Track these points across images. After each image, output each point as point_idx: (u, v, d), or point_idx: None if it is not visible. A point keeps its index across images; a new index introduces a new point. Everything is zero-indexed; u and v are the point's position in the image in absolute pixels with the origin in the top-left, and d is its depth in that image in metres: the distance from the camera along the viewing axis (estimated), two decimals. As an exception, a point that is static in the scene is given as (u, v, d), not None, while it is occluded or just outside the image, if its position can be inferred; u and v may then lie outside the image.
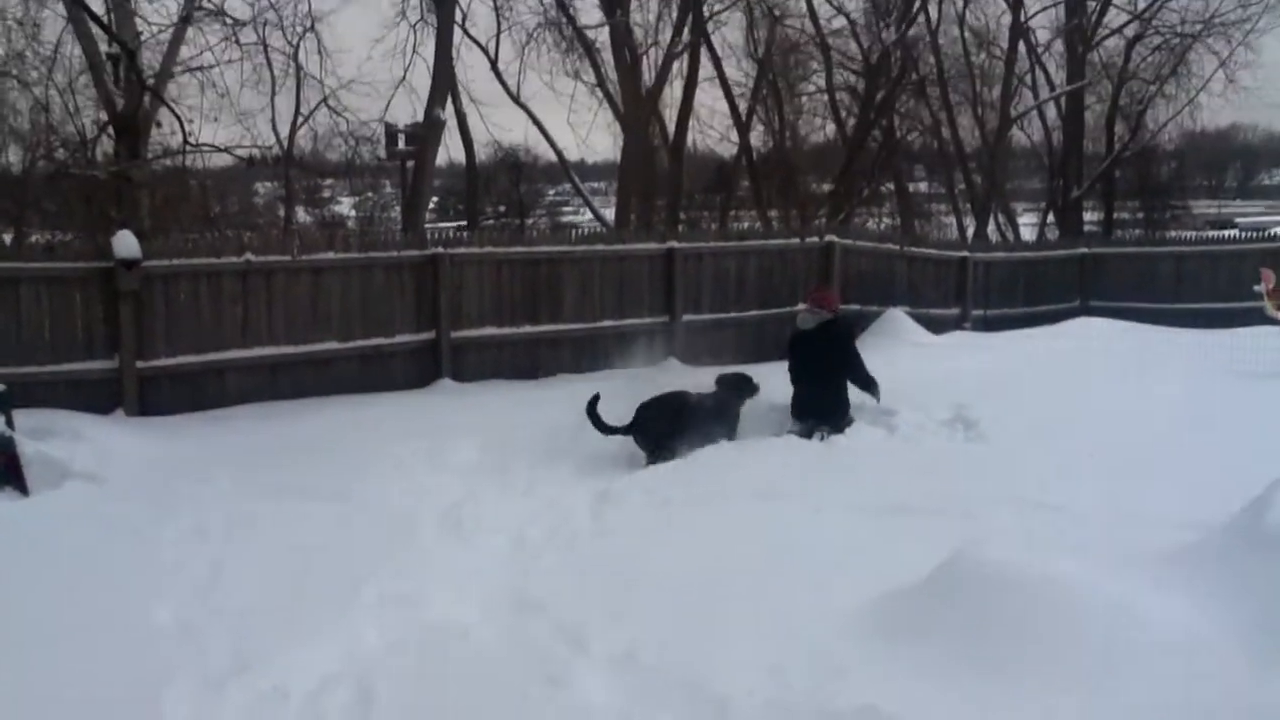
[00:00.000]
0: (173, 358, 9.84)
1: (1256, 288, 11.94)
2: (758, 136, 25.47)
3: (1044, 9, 27.16)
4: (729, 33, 33.65)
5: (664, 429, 8.07)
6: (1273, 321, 11.56)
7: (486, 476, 7.19)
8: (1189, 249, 18.21)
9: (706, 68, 22.24)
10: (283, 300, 10.37)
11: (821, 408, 8.62)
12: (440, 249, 11.22)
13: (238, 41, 14.99)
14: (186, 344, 9.91)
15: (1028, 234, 29.02)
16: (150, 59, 13.54)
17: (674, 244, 12.78)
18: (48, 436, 7.78)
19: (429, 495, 6.75)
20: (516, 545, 5.90)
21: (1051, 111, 28.31)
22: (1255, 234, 19.76)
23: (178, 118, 9.78)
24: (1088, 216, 29.03)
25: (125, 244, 9.40)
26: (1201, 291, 17.11)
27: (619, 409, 8.40)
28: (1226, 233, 22.79)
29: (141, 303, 9.62)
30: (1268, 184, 77.00)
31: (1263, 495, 4.40)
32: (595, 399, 8.09)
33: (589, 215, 22.82)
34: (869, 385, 8.83)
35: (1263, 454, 6.82)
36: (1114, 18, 27.36)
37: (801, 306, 10.02)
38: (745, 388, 8.81)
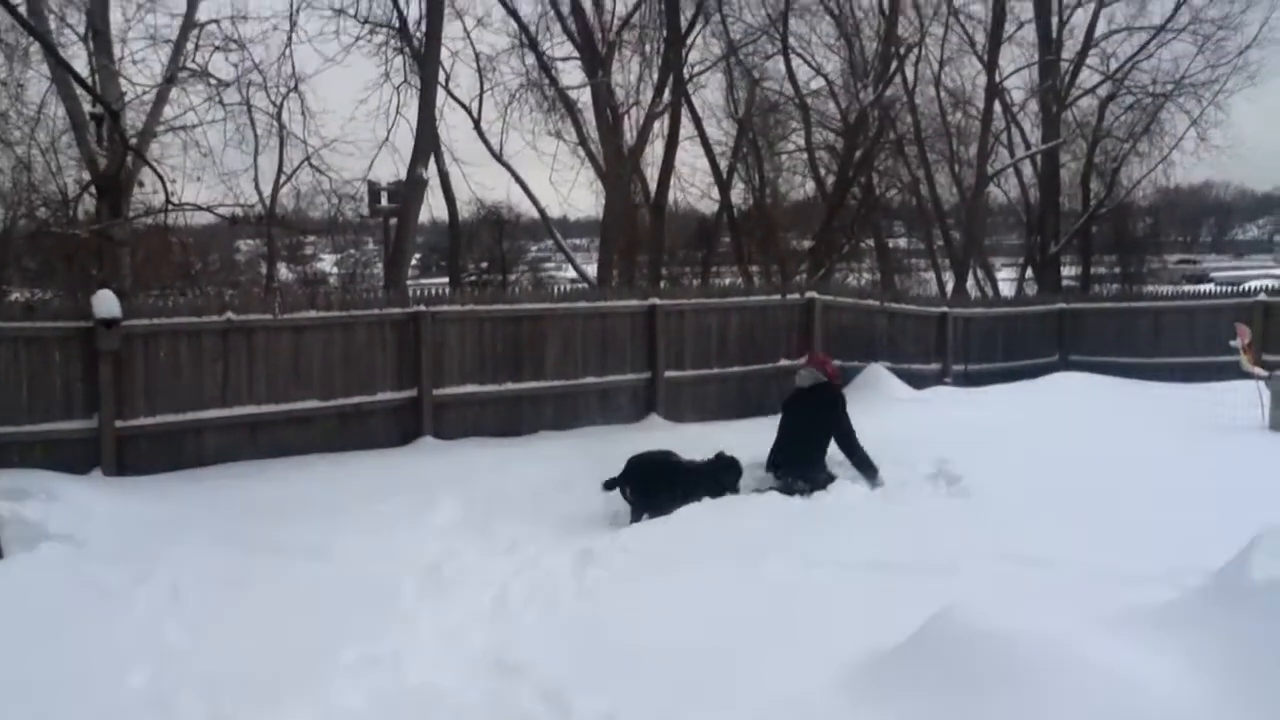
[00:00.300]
0: (152, 417, 9.76)
1: (1233, 343, 12.05)
2: (738, 194, 25.75)
3: (1018, 70, 27.69)
4: (709, 93, 34.06)
5: (652, 482, 8.20)
6: (1249, 376, 11.65)
7: (468, 535, 7.14)
8: (1165, 304, 18.39)
9: (687, 127, 22.56)
10: (264, 358, 10.34)
11: (796, 462, 8.66)
12: (422, 307, 11.22)
13: (221, 102, 15.09)
14: (166, 403, 9.84)
15: (1006, 289, 29.28)
16: (134, 118, 13.59)
17: (656, 301, 12.83)
18: (24, 497, 7.69)
19: (409, 554, 6.69)
20: (498, 605, 5.84)
21: (1028, 169, 28.73)
22: (1230, 289, 19.98)
23: (160, 177, 9.76)
24: (1065, 272, 29.35)
25: (105, 303, 9.36)
26: (1179, 346, 17.26)
27: (602, 468, 8.39)
28: (1202, 288, 23.11)
29: (121, 362, 9.57)
30: (1241, 239, 78.24)
31: (1244, 551, 4.40)
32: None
33: (571, 271, 22.90)
34: (865, 467, 8.76)
35: (1242, 508, 6.84)
36: (1087, 78, 27.92)
37: (800, 361, 10.07)
38: (732, 472, 8.56)
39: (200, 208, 11.71)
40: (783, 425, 9.10)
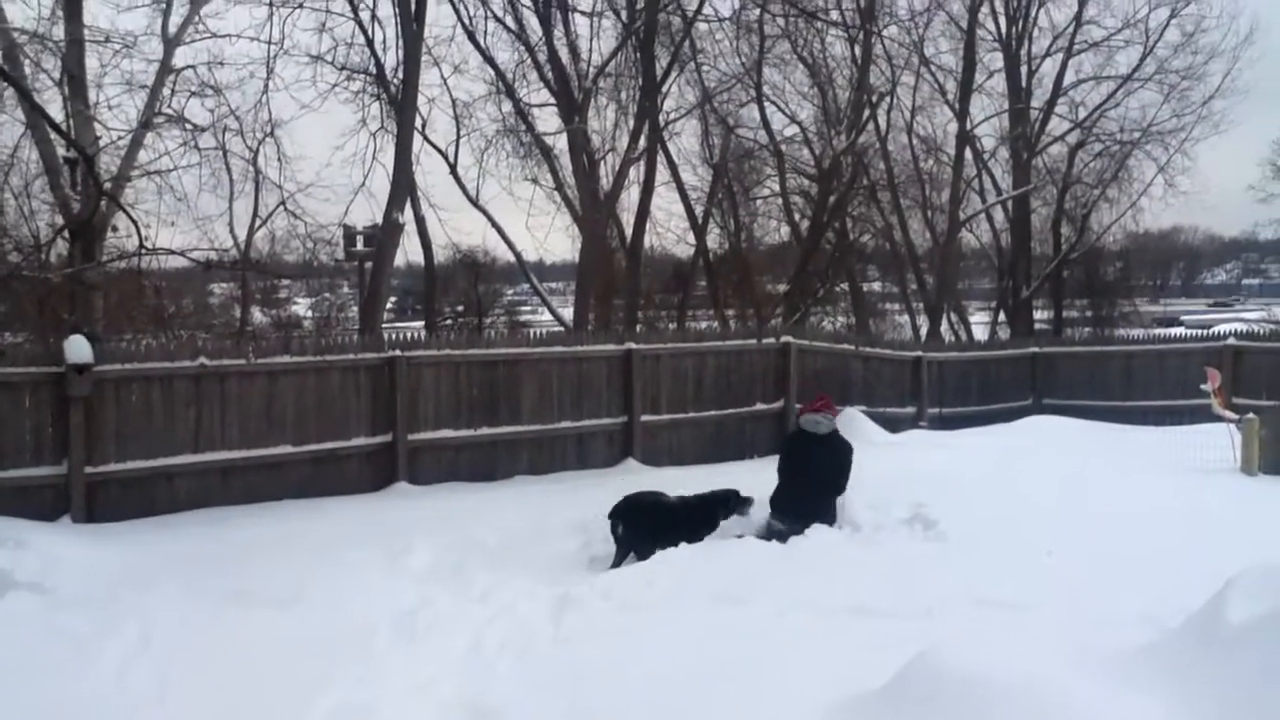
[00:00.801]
0: (123, 463, 9.67)
1: (1203, 386, 12.17)
2: (714, 238, 25.91)
3: (989, 118, 28.18)
4: (684, 140, 34.43)
5: (642, 521, 8.22)
6: (1220, 419, 11.77)
7: (442, 582, 7.06)
8: (1136, 348, 18.57)
9: (663, 172, 22.74)
10: (236, 403, 10.27)
11: (817, 510, 8.58)
12: (397, 351, 11.19)
13: (197, 147, 15.07)
14: (137, 449, 9.75)
15: (980, 333, 29.54)
16: (108, 163, 13.55)
17: (632, 345, 12.85)
18: (-10, 545, 7.56)
19: (383, 602, 6.60)
20: (472, 652, 5.77)
21: (999, 214, 29.13)
22: (1200, 333, 20.22)
23: (134, 222, 9.76)
24: (1038, 315, 29.66)
25: (77, 349, 9.28)
26: (1150, 389, 17.41)
27: (578, 513, 8.33)
28: (1173, 331, 23.35)
29: (92, 407, 9.48)
30: (1210, 283, 79.40)
31: (1220, 592, 4.42)
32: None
33: (548, 315, 22.92)
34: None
35: (1217, 549, 6.90)
36: (1056, 126, 28.44)
37: (796, 406, 10.00)
38: (735, 503, 8.66)
39: (174, 252, 11.66)
40: (795, 473, 8.86)
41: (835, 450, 8.93)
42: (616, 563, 8.02)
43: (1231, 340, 16.87)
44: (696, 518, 8.46)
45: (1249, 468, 10.50)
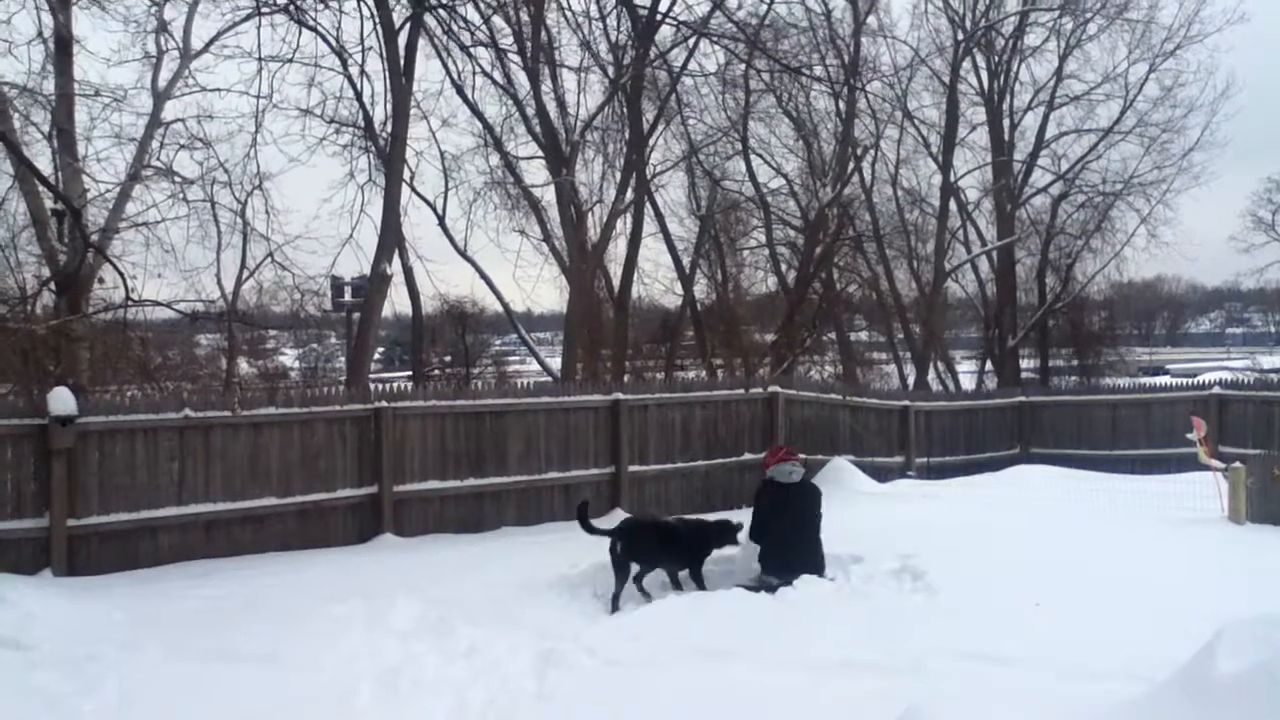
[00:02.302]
0: (105, 516, 9.57)
1: (1189, 435, 12.19)
2: (701, 289, 26.08)
3: (972, 170, 28.57)
4: (671, 191, 34.80)
5: (641, 541, 8.64)
6: (1206, 468, 11.78)
7: (426, 638, 6.97)
8: (1122, 397, 18.66)
9: (650, 224, 22.92)
10: (221, 456, 10.20)
11: (807, 559, 8.55)
12: (384, 402, 11.15)
13: (185, 199, 15.12)
14: (120, 502, 9.65)
15: (967, 382, 29.65)
16: (96, 215, 13.59)
17: (619, 395, 12.84)
18: (-33, 601, 7.45)
19: (366, 658, 6.52)
20: (455, 713, 5.69)
21: (984, 265, 29.39)
22: (1186, 381, 20.32)
23: (120, 274, 9.79)
24: (1024, 364, 29.81)
25: (61, 401, 9.23)
26: (1136, 438, 17.48)
27: (565, 564, 8.25)
28: (1158, 380, 23.48)
29: (75, 460, 9.40)
30: (1194, 331, 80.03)
31: (1209, 644, 4.39)
32: (584, 504, 9.32)
33: (536, 365, 22.93)
34: None
35: (1205, 600, 6.87)
36: (1039, 178, 28.83)
37: (768, 455, 9.98)
38: (730, 533, 9.08)
39: (160, 304, 11.69)
40: (786, 525, 8.80)
41: (808, 495, 8.98)
42: (618, 588, 8.38)
43: (1217, 389, 16.97)
44: (694, 543, 8.96)
45: (1236, 516, 10.49)
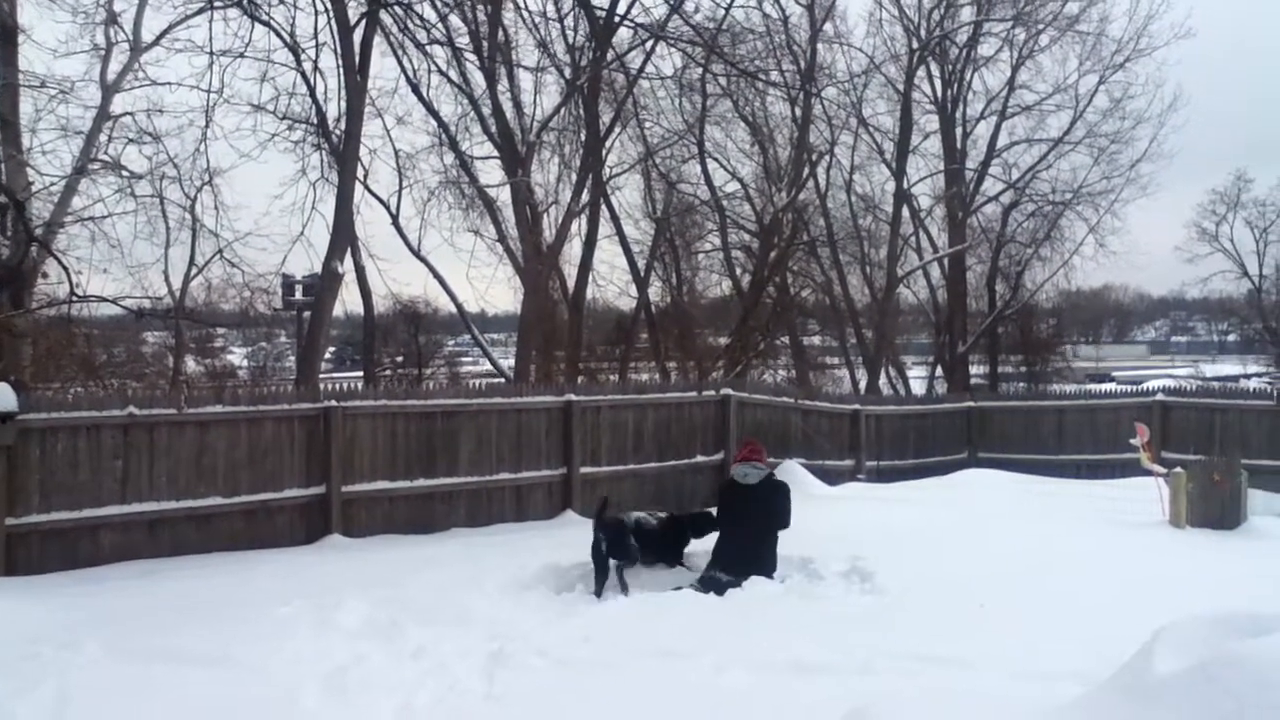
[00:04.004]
0: (46, 514, 9.37)
1: (1133, 441, 12.41)
2: (656, 291, 26.08)
3: (925, 178, 28.86)
4: (627, 194, 34.74)
5: (624, 540, 8.93)
6: (1149, 473, 11.98)
7: (374, 638, 6.91)
8: (1069, 403, 18.94)
9: (606, 226, 22.88)
10: (166, 454, 10.03)
11: (759, 559, 8.61)
12: (333, 401, 11.04)
13: (133, 194, 14.87)
14: (62, 500, 9.46)
15: (917, 387, 29.95)
16: (40, 209, 13.32)
17: (572, 396, 12.82)
18: (-100, 601, 7.27)
19: (313, 659, 6.44)
20: (403, 712, 5.64)
21: (936, 271, 29.71)
22: (1130, 388, 20.68)
23: (65, 268, 9.62)
24: (974, 370, 30.18)
25: (1, 397, 9.03)
26: (1082, 443, 17.75)
27: (515, 565, 8.21)
28: (1104, 387, 23.87)
29: (16, 457, 9.20)
30: (1140, 340, 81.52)
31: (1147, 645, 4.46)
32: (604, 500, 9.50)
33: (489, 366, 22.81)
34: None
35: (1146, 601, 7.00)
36: (990, 186, 29.23)
37: (729, 457, 10.09)
38: (702, 524, 9.58)
39: (106, 300, 11.50)
40: (734, 521, 8.98)
41: (766, 497, 8.99)
42: (599, 584, 8.60)
43: (1160, 396, 17.28)
44: (672, 538, 9.52)
45: (1177, 521, 10.69)
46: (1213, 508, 10.67)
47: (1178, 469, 11.15)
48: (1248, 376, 39.08)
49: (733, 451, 14.06)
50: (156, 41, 14.72)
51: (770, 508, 8.91)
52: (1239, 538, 10.28)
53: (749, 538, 8.77)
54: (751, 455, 9.35)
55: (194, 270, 16.81)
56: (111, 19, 14.36)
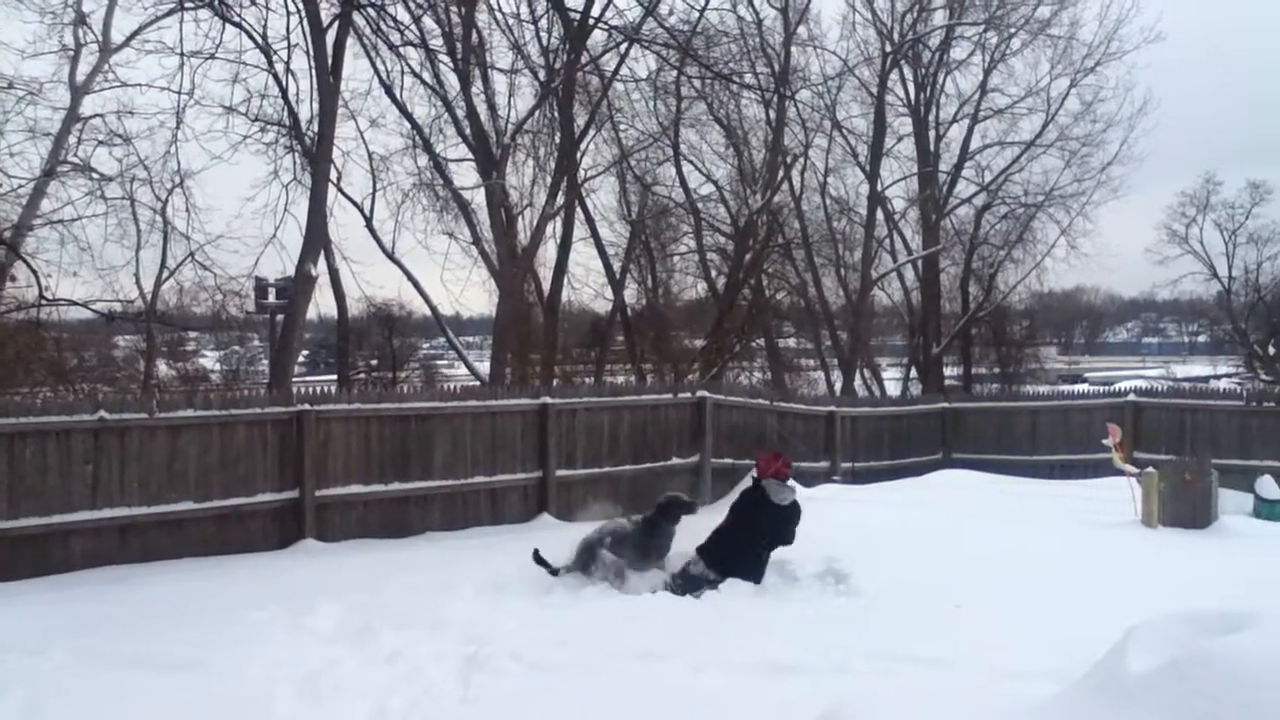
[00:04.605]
0: (14, 520, 9.27)
1: (1105, 441, 12.49)
2: (632, 294, 26.06)
3: (898, 180, 28.98)
4: (602, 196, 34.79)
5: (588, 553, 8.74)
6: (1121, 473, 12.07)
7: (348, 642, 6.86)
8: (1042, 404, 19.08)
9: (581, 228, 22.87)
10: (137, 459, 9.94)
11: (751, 569, 8.53)
12: (306, 405, 10.96)
13: (103, 196, 14.77)
14: (31, 505, 9.36)
15: (892, 388, 30.05)
16: (8, 211, 13.22)
17: (547, 399, 12.78)
18: None
19: (286, 664, 6.39)
20: (377, 717, 5.61)
21: (910, 274, 29.83)
22: (1103, 389, 20.84)
23: (34, 272, 9.53)
24: (948, 371, 30.31)
25: (-32, 401, 8.93)
26: (1055, 444, 17.86)
27: (490, 568, 8.19)
28: (1077, 388, 24.05)
29: (-18, 463, 9.10)
30: (1112, 341, 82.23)
31: (1119, 644, 4.49)
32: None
33: (464, 369, 22.75)
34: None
35: (1119, 600, 7.04)
36: (963, 189, 29.38)
37: (745, 470, 9.78)
38: (675, 509, 9.22)
39: (75, 303, 11.40)
40: (751, 530, 8.82)
41: (789, 518, 8.77)
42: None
43: (1132, 396, 17.42)
44: (651, 539, 9.06)
45: (1149, 520, 10.77)
46: (1184, 507, 10.76)
47: (1149, 469, 11.23)
48: (1218, 377, 39.47)
49: (709, 454, 14.08)
50: (126, 43, 14.62)
51: (788, 528, 8.75)
52: (1210, 537, 10.36)
53: (757, 548, 8.63)
54: (784, 470, 9.07)
55: (165, 273, 16.72)
56: (80, 19, 14.26)
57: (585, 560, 8.69)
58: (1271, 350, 31.91)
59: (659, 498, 9.43)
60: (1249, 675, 3.54)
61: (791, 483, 9.10)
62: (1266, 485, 12.32)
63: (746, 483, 9.64)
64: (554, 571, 8.60)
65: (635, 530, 9.14)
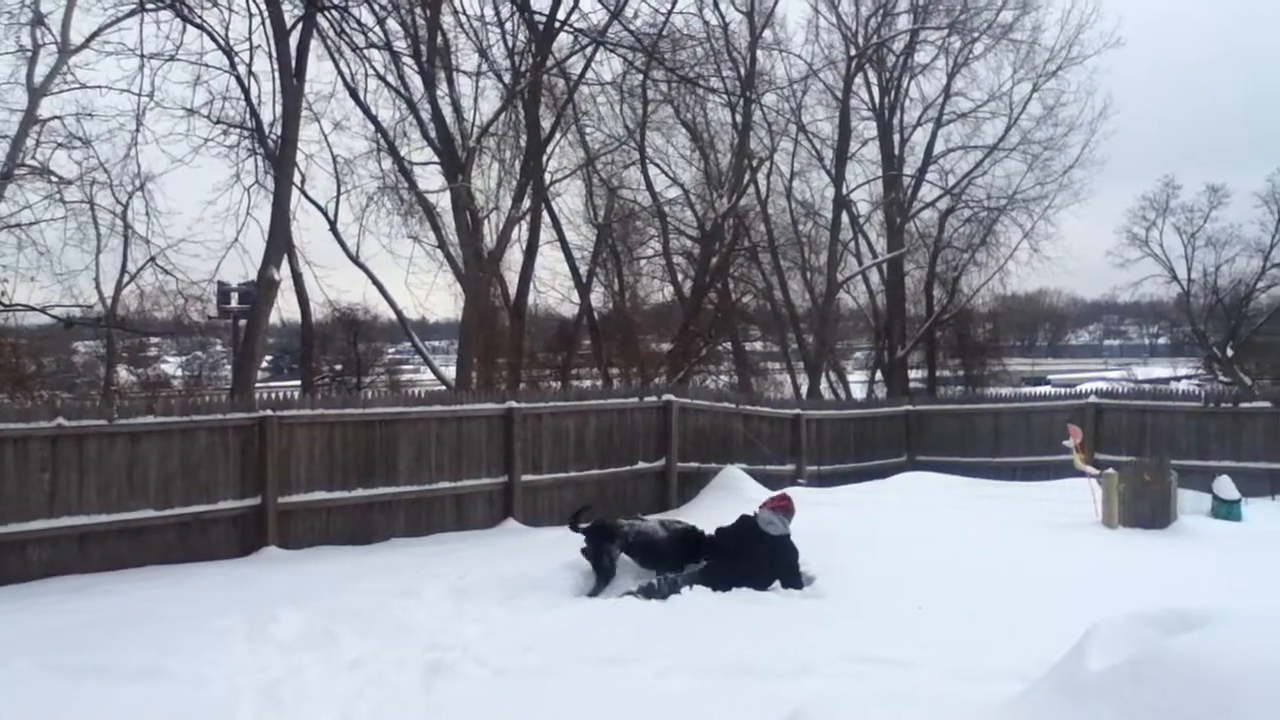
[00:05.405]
0: (-31, 530, 9.13)
1: (1066, 443, 12.60)
2: (598, 297, 26.08)
3: (864, 184, 29.19)
4: (569, 199, 34.78)
5: (600, 540, 8.89)
6: (1082, 474, 12.19)
7: (311, 650, 6.80)
8: (1004, 406, 19.23)
9: (547, 232, 22.86)
10: (96, 466, 9.81)
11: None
12: (269, 411, 10.88)
13: (62, 200, 14.57)
14: (-14, 515, 9.22)
15: (858, 391, 30.24)
16: (-37, 215, 13.02)
17: (513, 404, 12.75)
18: None
19: (248, 671, 6.33)
20: (339, 726, 5.56)
21: (875, 277, 30.03)
22: (1065, 391, 21.05)
23: (-10, 277, 9.41)
24: (913, 374, 30.52)
25: (-79, 408, 8.78)
26: (1017, 446, 18.01)
27: (455, 573, 8.15)
28: (1039, 389, 24.28)
29: (-63, 471, 8.95)
30: (1074, 343, 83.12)
31: (1079, 643, 4.53)
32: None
33: (430, 374, 22.63)
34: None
35: (1080, 600, 7.11)
36: (928, 192, 29.65)
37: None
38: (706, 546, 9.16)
39: (33, 308, 11.24)
40: (732, 553, 8.80)
41: (776, 550, 8.66)
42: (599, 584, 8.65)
43: (1094, 399, 17.60)
44: (684, 549, 9.10)
45: (1109, 521, 10.88)
46: (1144, 508, 10.88)
47: (1110, 470, 11.35)
48: (1178, 379, 40.01)
49: (675, 457, 14.10)
50: (86, 44, 14.43)
51: (777, 559, 8.60)
52: (1169, 537, 10.48)
53: (733, 575, 8.45)
54: (782, 507, 9.05)
55: (126, 278, 16.50)
56: (38, 20, 14.06)
57: (600, 542, 8.88)
58: (1230, 352, 32.32)
59: (703, 532, 9.26)
60: (1203, 674, 3.59)
61: (786, 519, 8.97)
62: (1224, 485, 12.50)
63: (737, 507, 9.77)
64: (575, 527, 9.04)
65: (668, 539, 9.17)
